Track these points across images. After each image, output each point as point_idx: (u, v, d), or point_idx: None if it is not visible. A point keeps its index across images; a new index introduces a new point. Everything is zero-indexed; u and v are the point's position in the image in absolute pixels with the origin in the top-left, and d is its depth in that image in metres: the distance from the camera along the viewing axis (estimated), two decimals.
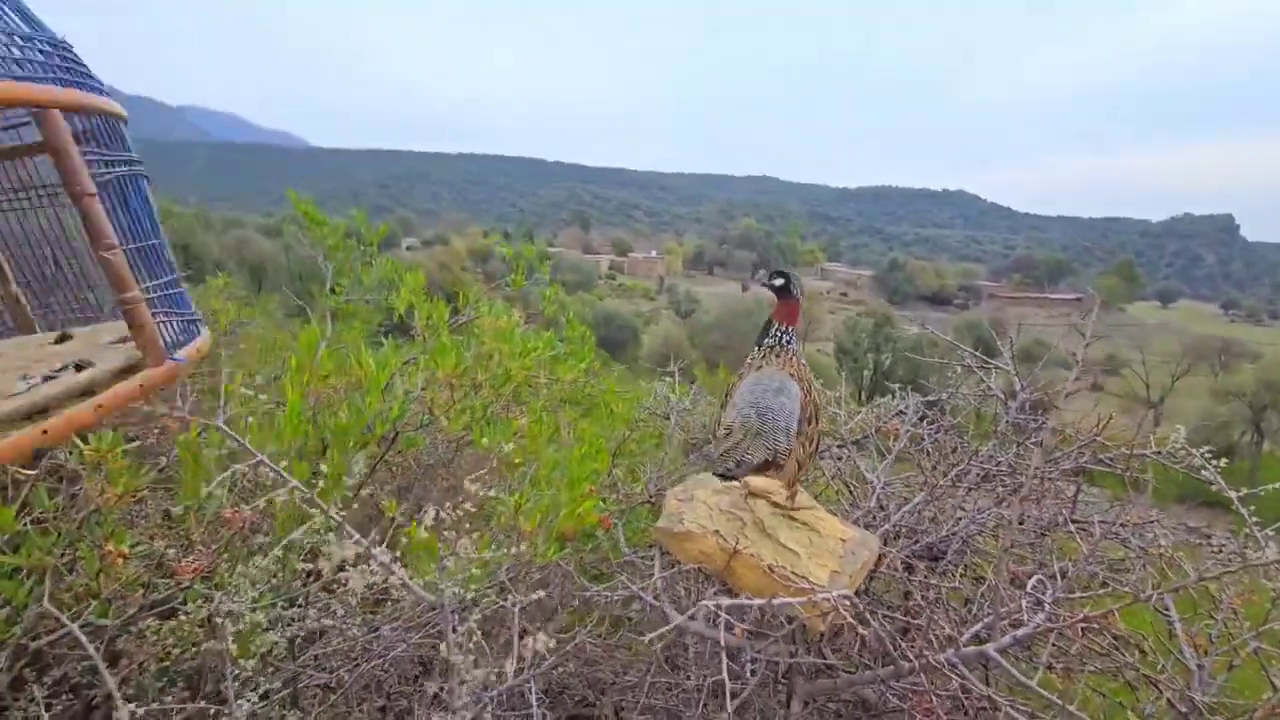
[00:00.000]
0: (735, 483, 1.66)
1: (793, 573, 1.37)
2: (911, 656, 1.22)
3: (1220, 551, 2.04)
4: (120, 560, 1.74)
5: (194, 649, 1.68)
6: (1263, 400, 28.39)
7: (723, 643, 1.13)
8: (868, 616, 1.13)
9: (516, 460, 2.81)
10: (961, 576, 1.76)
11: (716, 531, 1.49)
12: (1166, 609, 1.47)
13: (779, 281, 1.94)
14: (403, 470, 3.15)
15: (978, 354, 2.26)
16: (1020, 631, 1.21)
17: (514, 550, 1.35)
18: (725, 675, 0.97)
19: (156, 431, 2.52)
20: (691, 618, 1.33)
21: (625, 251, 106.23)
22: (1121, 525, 1.67)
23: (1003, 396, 2.09)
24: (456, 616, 1.26)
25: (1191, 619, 1.45)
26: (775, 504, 1.60)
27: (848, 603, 1.10)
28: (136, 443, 1.99)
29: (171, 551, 1.92)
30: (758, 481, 1.62)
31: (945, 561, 1.78)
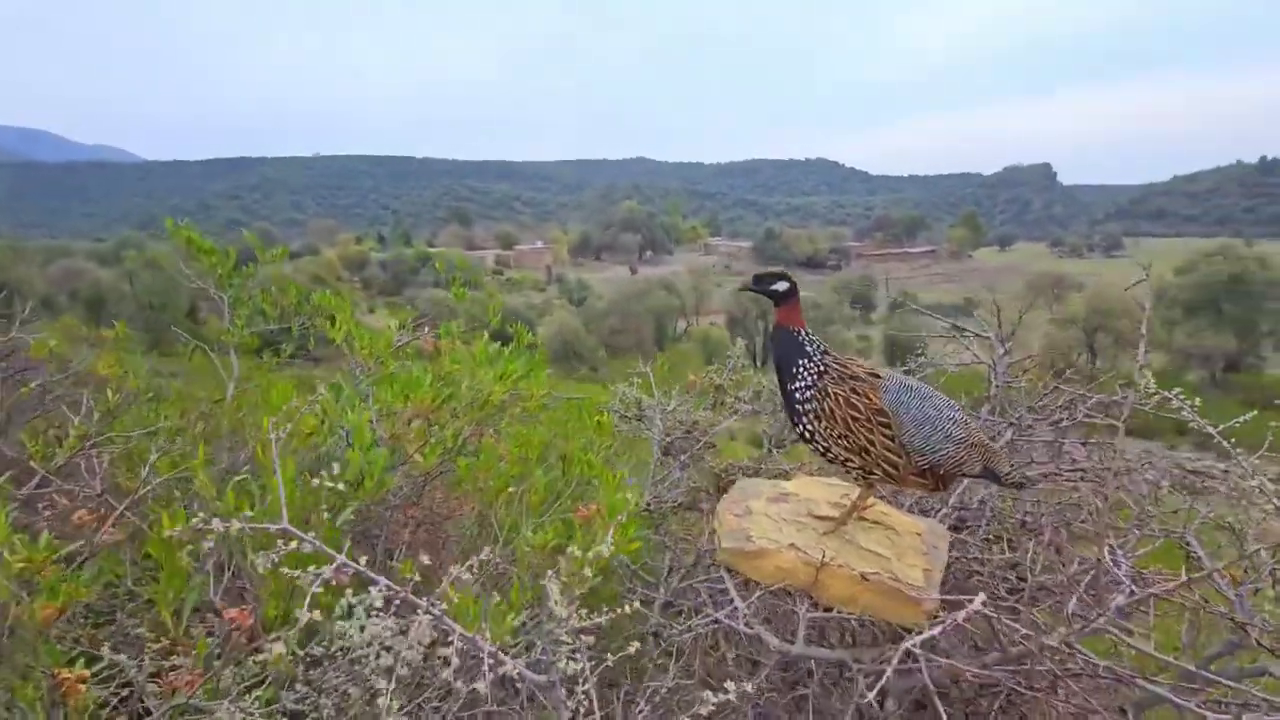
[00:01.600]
0: (789, 488, 1.62)
1: (891, 579, 1.35)
2: (1024, 642, 1.24)
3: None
4: (81, 686, 1.46)
5: None
6: (1093, 324, 32.93)
7: (904, 671, 1.09)
8: (988, 611, 1.13)
9: (508, 489, 2.63)
10: (993, 541, 1.83)
11: (792, 545, 1.44)
12: (1188, 543, 1.61)
13: (783, 286, 1.61)
14: (361, 514, 2.86)
15: (956, 324, 2.37)
16: (1120, 600, 1.26)
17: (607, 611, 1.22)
18: (888, 698, 0.93)
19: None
20: (791, 639, 1.27)
21: (511, 245, 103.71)
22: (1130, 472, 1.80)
23: (992, 364, 2.20)
24: (565, 691, 1.13)
25: (1208, 548, 1.59)
26: (862, 515, 1.56)
27: (980, 605, 1.09)
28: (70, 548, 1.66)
29: (131, 661, 1.62)
30: (814, 493, 1.58)
31: (981, 531, 1.84)
